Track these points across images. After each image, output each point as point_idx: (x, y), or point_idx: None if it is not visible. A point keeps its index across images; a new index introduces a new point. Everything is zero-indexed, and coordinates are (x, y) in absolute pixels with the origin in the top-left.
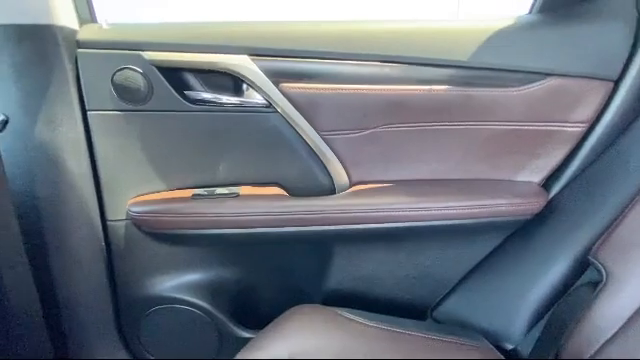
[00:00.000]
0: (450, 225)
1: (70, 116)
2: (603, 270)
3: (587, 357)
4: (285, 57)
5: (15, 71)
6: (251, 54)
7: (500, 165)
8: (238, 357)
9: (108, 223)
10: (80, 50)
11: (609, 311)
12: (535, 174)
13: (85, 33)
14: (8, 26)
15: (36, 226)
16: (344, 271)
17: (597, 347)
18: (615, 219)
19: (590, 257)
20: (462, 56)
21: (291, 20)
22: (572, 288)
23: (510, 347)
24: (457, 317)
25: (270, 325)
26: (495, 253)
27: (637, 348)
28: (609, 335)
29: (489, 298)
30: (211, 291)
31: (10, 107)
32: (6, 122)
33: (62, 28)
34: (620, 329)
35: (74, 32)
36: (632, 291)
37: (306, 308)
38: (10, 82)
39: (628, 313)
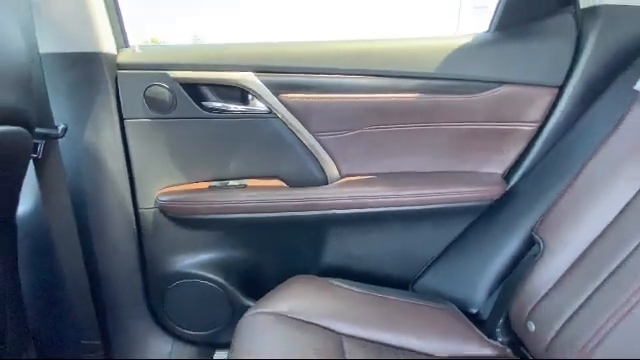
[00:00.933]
0: (424, 209)
1: (110, 124)
2: (541, 243)
3: (527, 313)
4: (283, 73)
5: (68, 89)
6: (255, 71)
7: (467, 159)
8: (246, 314)
9: (139, 210)
10: (119, 71)
11: (545, 275)
12: (497, 166)
13: (123, 57)
14: (63, 54)
15: (82, 213)
16: (335, 250)
17: (534, 303)
18: None
19: (533, 233)
20: (431, 69)
21: (287, 41)
22: (522, 260)
23: (474, 311)
24: (432, 288)
25: (273, 290)
26: (463, 235)
27: (564, 302)
28: (543, 293)
29: (457, 272)
30: (224, 267)
31: (64, 118)
32: (66, 130)
33: (105, 55)
34: (551, 288)
35: (114, 57)
36: (561, 258)
37: (303, 278)
38: (64, 98)
39: (558, 274)
